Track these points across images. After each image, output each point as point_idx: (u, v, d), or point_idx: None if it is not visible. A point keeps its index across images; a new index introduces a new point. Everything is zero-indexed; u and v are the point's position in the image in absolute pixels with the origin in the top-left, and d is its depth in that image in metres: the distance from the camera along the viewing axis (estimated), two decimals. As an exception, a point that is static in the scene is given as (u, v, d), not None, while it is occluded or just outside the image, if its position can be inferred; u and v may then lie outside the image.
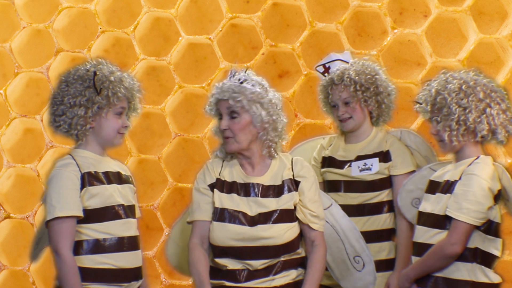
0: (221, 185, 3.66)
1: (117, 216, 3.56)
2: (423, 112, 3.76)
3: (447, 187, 3.64)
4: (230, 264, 3.60)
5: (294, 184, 3.66)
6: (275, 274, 3.60)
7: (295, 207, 3.64)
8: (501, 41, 4.95)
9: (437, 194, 3.67)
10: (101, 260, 3.52)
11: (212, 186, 3.66)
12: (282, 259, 3.61)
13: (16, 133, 5.53)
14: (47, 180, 3.55)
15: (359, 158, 4.13)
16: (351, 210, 3.98)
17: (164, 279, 5.24)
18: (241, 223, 3.59)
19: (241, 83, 3.62)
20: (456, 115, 3.63)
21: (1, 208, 5.40)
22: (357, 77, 4.08)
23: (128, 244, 3.58)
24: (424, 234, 3.68)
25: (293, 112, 5.14)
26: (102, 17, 5.39)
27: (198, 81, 5.36)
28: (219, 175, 3.68)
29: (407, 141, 4.19)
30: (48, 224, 3.49)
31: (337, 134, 4.28)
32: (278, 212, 3.60)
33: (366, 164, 4.11)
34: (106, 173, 3.60)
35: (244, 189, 3.64)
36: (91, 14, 5.39)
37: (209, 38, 5.26)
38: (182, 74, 5.34)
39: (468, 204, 3.54)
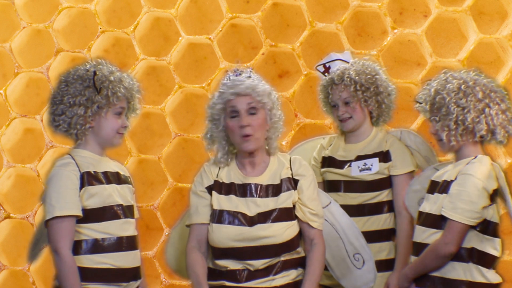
0: (219, 187, 3.65)
1: (116, 216, 3.56)
2: (423, 111, 3.76)
3: (444, 187, 3.63)
4: (230, 265, 3.60)
5: (293, 183, 3.66)
6: (275, 274, 3.60)
7: (294, 205, 3.65)
8: (501, 41, 4.94)
9: (435, 194, 3.67)
10: (100, 260, 3.52)
11: (210, 188, 3.65)
12: (282, 258, 3.60)
13: (16, 133, 5.52)
14: (47, 180, 3.55)
15: (359, 158, 4.13)
16: (351, 210, 3.97)
17: (164, 279, 5.24)
18: (240, 223, 3.58)
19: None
20: (455, 115, 3.62)
21: (1, 208, 5.39)
22: (357, 77, 4.08)
23: (127, 244, 3.58)
24: (422, 234, 3.67)
25: (293, 112, 5.14)
26: (102, 17, 5.38)
27: (198, 81, 5.36)
28: (217, 177, 3.67)
29: (407, 141, 4.19)
30: (47, 223, 3.49)
31: (337, 134, 4.27)
32: (277, 211, 3.60)
33: (366, 164, 4.11)
34: (105, 173, 3.60)
35: (242, 190, 3.63)
36: (91, 14, 5.39)
37: (209, 38, 5.25)
38: (182, 74, 5.34)
39: (463, 204, 3.53)
